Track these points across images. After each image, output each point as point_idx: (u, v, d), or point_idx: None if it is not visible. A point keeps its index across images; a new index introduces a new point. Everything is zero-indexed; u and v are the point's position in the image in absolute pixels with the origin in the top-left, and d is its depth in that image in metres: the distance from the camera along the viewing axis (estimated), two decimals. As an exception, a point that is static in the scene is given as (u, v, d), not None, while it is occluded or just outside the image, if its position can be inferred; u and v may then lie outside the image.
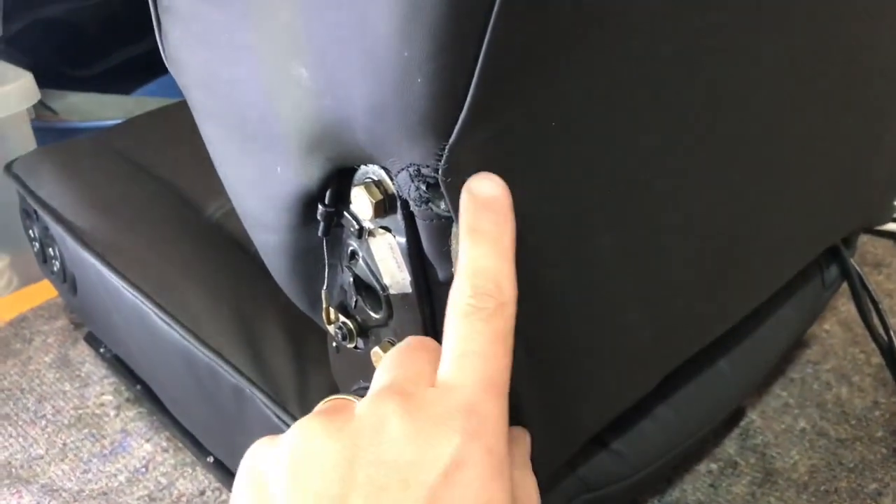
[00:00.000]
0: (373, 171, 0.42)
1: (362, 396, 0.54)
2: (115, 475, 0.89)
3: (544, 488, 0.57)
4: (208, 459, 0.85)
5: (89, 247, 0.71)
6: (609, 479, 0.60)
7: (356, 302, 0.48)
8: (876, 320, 0.82)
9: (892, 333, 0.82)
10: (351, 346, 0.51)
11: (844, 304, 1.02)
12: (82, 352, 1.06)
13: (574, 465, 0.59)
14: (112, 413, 0.97)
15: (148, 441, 0.92)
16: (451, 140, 0.37)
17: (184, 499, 0.85)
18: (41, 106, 1.31)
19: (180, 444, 0.91)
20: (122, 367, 0.99)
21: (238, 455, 0.67)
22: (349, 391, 0.55)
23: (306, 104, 0.40)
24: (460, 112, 0.36)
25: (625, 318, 0.50)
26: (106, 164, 0.86)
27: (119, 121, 1.06)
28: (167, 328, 0.64)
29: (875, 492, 0.80)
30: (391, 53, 0.35)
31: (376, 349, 0.48)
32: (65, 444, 0.93)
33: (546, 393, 0.48)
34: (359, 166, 0.43)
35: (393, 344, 0.48)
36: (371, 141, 0.39)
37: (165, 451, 0.91)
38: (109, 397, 0.99)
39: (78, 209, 0.76)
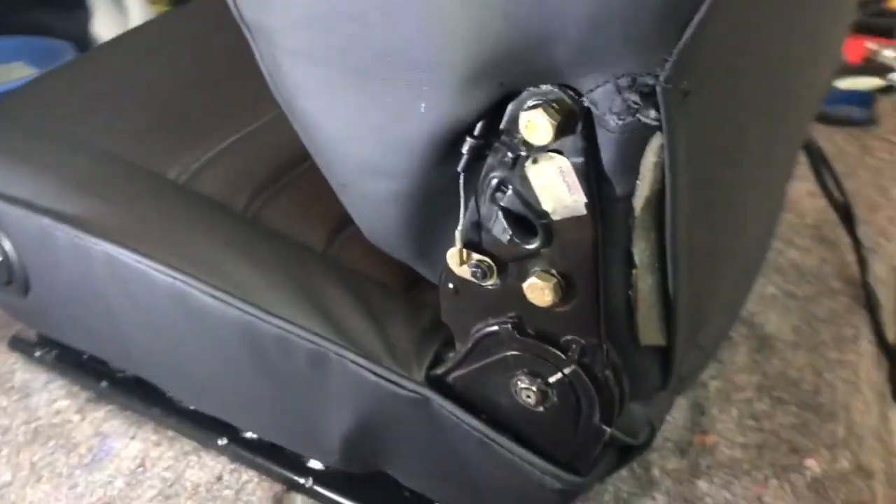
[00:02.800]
0: (545, 92, 0.40)
1: (485, 340, 0.52)
2: (110, 482, 0.80)
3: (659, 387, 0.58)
4: (219, 442, 0.79)
5: (93, 232, 0.62)
6: (694, 369, 0.62)
7: (511, 235, 0.45)
8: (830, 183, 0.89)
9: (846, 195, 0.89)
10: (489, 283, 0.48)
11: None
12: (7, 360, 0.94)
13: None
14: (76, 418, 0.87)
15: (133, 438, 0.84)
16: (681, 44, 0.35)
17: (201, 488, 0.79)
18: None
19: (171, 434, 0.84)
20: (70, 368, 0.89)
21: (301, 425, 0.63)
22: (469, 334, 0.53)
23: (493, 24, 0.37)
24: (696, 13, 0.34)
25: (746, 217, 0.51)
26: (38, 141, 0.75)
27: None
28: (220, 305, 0.57)
29: (853, 337, 0.88)
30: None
31: (533, 280, 0.46)
32: (33, 464, 0.83)
33: (694, 300, 0.48)
34: (524, 90, 0.40)
35: (549, 273, 0.46)
36: (577, 55, 0.37)
37: (157, 444, 0.83)
38: (65, 402, 0.89)
39: (54, 193, 0.66)
